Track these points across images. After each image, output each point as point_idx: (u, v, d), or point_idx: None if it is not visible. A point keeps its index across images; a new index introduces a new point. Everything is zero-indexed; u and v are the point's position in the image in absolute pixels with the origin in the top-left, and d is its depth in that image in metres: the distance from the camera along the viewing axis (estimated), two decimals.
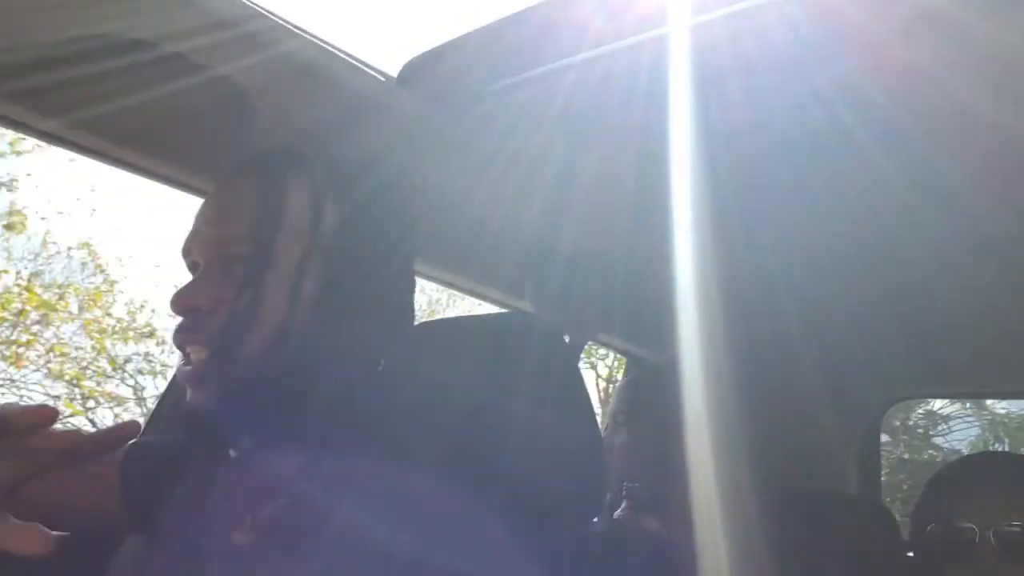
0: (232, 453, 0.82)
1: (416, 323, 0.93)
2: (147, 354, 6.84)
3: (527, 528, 0.87)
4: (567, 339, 1.35)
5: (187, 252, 0.81)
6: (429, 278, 1.42)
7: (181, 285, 0.78)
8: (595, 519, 1.32)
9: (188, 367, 0.77)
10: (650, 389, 1.44)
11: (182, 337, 0.77)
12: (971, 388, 2.14)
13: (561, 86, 0.93)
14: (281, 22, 0.81)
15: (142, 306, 6.90)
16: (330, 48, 0.85)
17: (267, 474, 0.77)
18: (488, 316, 1.04)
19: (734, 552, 1.13)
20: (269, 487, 0.74)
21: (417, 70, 0.92)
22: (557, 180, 1.15)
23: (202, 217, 0.81)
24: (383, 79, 0.91)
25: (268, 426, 0.79)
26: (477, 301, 1.57)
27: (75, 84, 0.81)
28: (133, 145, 0.96)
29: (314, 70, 0.85)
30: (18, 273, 6.33)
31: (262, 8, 0.80)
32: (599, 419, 1.19)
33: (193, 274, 0.80)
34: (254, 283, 0.75)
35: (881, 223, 1.26)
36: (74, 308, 6.56)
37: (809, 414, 1.85)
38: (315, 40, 0.84)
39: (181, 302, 0.77)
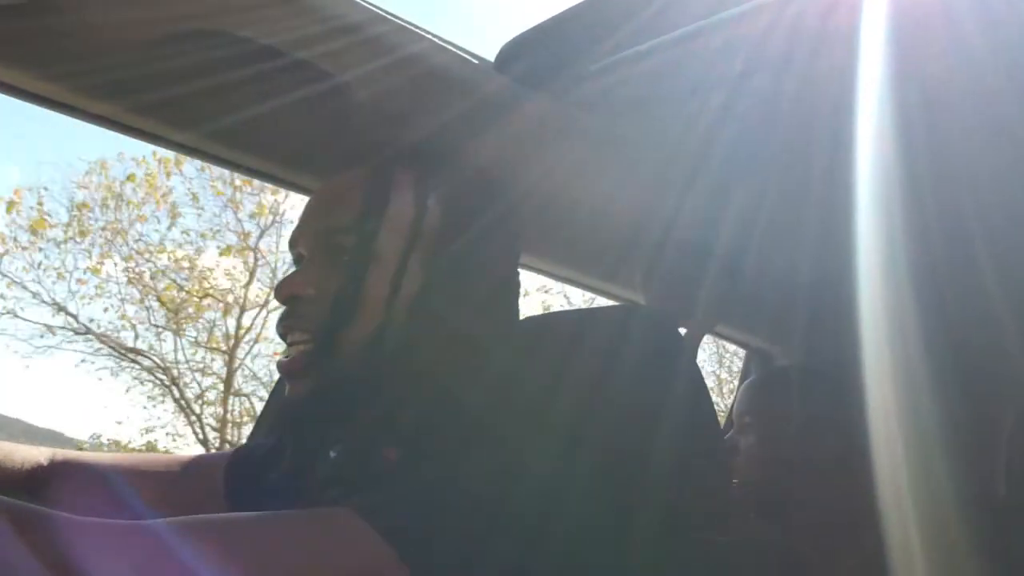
0: (332, 454, 0.82)
1: (525, 317, 0.91)
2: None
3: (646, 533, 0.83)
4: (683, 332, 1.29)
5: (293, 243, 0.82)
6: (540, 271, 1.38)
7: (285, 275, 0.79)
8: (718, 524, 1.26)
9: (287, 359, 0.77)
10: (778, 390, 1.36)
11: (285, 325, 0.78)
12: None
13: (669, 60, 0.88)
14: (377, 11, 0.79)
15: None
16: (427, 35, 0.83)
17: (365, 472, 0.76)
18: (600, 309, 1.00)
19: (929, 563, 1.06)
20: (366, 484, 0.73)
21: (514, 54, 0.88)
22: (671, 163, 1.09)
23: (309, 209, 0.82)
24: (480, 64, 0.87)
25: (366, 421, 0.79)
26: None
27: (197, 93, 0.84)
28: (242, 147, 0.97)
29: (413, 60, 0.84)
30: None
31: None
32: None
33: (297, 264, 0.82)
34: (357, 274, 0.75)
35: None
36: None
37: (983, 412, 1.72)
38: (411, 27, 0.82)
39: (285, 290, 0.77)
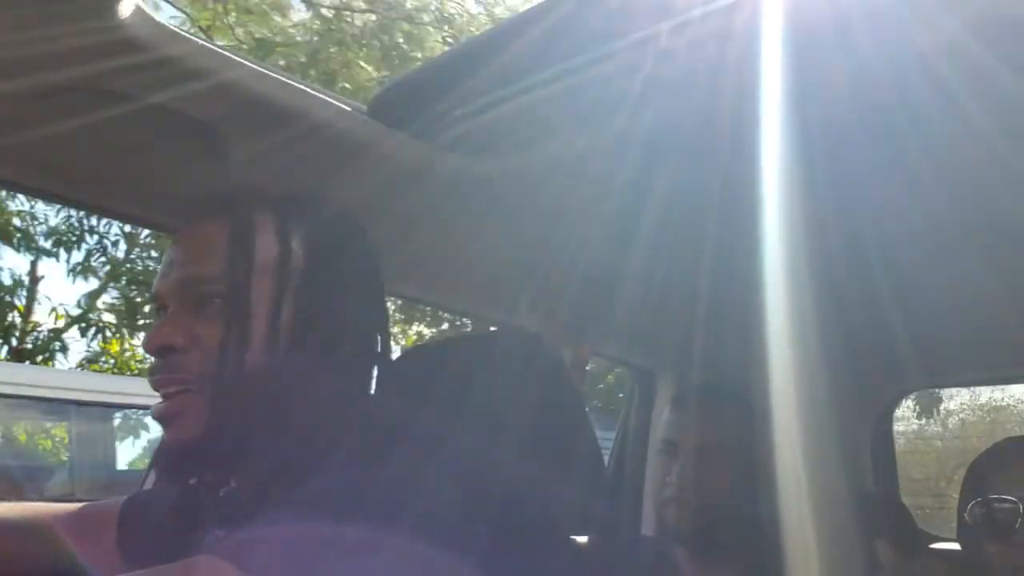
0: (220, 493, 0.83)
1: (407, 347, 0.95)
2: None
3: (525, 540, 0.89)
4: (562, 353, 1.36)
5: (156, 296, 0.82)
6: (426, 303, 1.43)
7: (152, 327, 0.80)
8: (601, 532, 1.32)
9: (163, 404, 0.78)
10: (699, 411, 1.42)
11: (158, 378, 0.78)
12: (980, 375, 2.11)
13: (533, 101, 0.94)
14: (246, 63, 0.83)
15: None
16: (298, 85, 0.87)
17: (259, 513, 0.76)
18: (478, 334, 1.06)
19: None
20: (261, 525, 0.73)
21: (386, 102, 0.94)
22: (543, 196, 1.16)
23: (170, 260, 0.82)
24: (353, 112, 0.92)
25: (252, 461, 0.80)
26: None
27: (50, 136, 0.84)
28: (107, 190, 0.98)
29: (281, 108, 0.86)
30: None
31: (227, 53, 0.82)
32: None
33: (160, 316, 0.81)
34: (229, 322, 0.77)
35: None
36: None
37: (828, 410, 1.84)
38: (282, 79, 0.86)
39: (155, 342, 0.78)
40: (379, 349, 0.87)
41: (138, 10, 0.69)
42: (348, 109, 0.91)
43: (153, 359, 0.79)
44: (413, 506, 0.70)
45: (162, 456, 0.80)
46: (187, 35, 0.77)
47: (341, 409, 0.80)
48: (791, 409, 1.33)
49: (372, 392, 0.86)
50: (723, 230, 1.37)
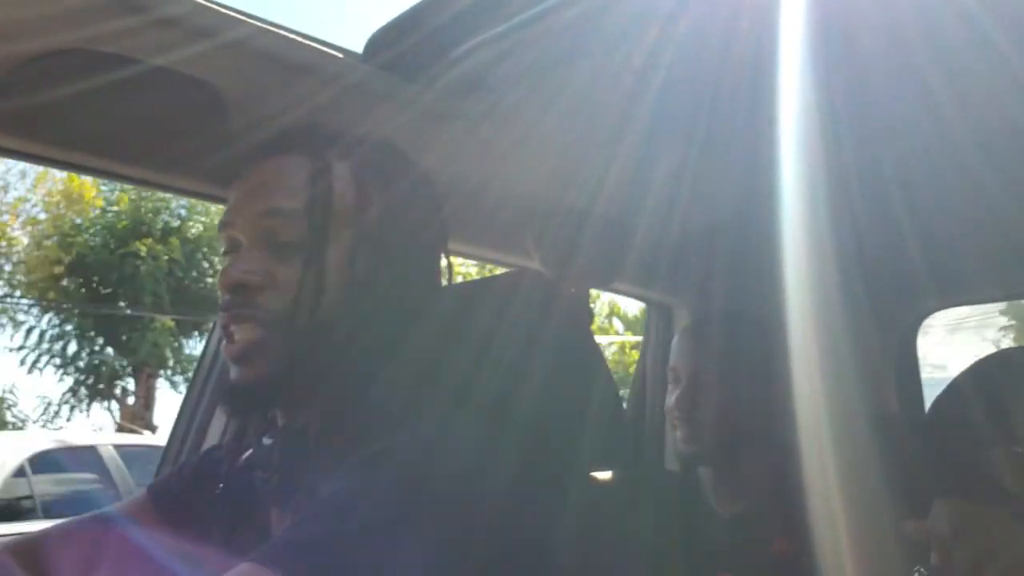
0: (265, 441, 0.84)
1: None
2: None
3: (546, 476, 0.90)
4: (572, 291, 1.35)
5: (226, 225, 0.81)
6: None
7: (227, 262, 0.79)
8: (621, 468, 1.34)
9: (235, 345, 0.78)
10: (706, 339, 1.43)
11: (230, 315, 0.78)
12: (1003, 291, 2.08)
13: (534, 37, 0.93)
14: (245, 19, 0.82)
15: None
16: (292, 36, 0.86)
17: (318, 453, 0.78)
18: (489, 278, 1.05)
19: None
20: (319, 467, 0.76)
21: (381, 44, 0.92)
22: (545, 134, 1.15)
23: (244, 192, 0.82)
24: (347, 58, 0.91)
25: (319, 403, 0.80)
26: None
27: (59, 102, 0.83)
28: (122, 158, 0.98)
29: (281, 60, 0.86)
30: None
31: (228, 9, 0.81)
32: None
33: (231, 250, 0.81)
34: (304, 260, 0.77)
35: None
36: None
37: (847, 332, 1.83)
38: (278, 31, 0.85)
39: (231, 278, 0.77)
40: (436, 289, 0.88)
41: None
42: (340, 56, 0.89)
43: (227, 295, 0.79)
44: (456, 454, 0.71)
45: (232, 393, 0.80)
46: None
47: (405, 354, 0.80)
48: (810, 333, 1.32)
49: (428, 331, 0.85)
50: (739, 156, 1.35)
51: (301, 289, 0.76)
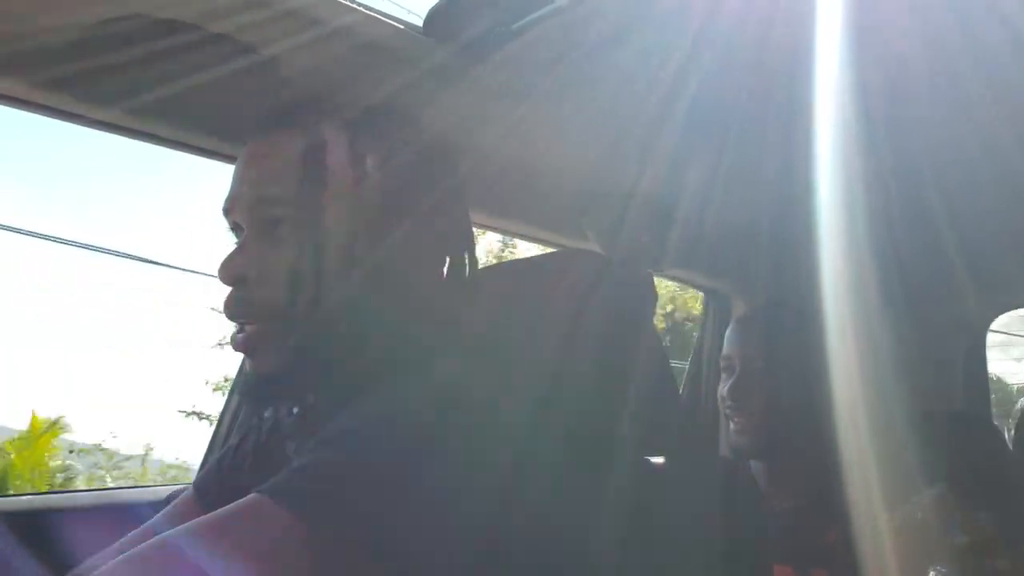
0: (294, 410, 0.83)
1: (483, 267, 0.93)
2: None
3: (600, 458, 0.88)
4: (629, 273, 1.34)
5: (228, 212, 0.79)
6: (484, 227, 1.42)
7: (227, 253, 0.77)
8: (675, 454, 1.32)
9: (242, 335, 0.76)
10: (764, 329, 1.40)
11: (234, 310, 0.76)
12: None
13: (590, 12, 0.91)
14: None
15: None
16: (353, 4, 0.85)
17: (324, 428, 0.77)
18: (544, 256, 1.04)
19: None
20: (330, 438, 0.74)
21: (440, 17, 0.91)
22: (602, 112, 1.13)
23: (241, 176, 0.79)
24: (407, 29, 0.90)
25: (331, 387, 0.78)
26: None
27: (102, 67, 0.84)
28: (162, 120, 0.98)
29: (339, 27, 0.85)
30: None
31: None
32: None
33: (236, 235, 0.79)
34: (301, 247, 0.74)
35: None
36: None
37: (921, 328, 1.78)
38: (342, 2, 0.84)
39: (230, 271, 0.75)
40: (467, 271, 0.84)
41: None
42: (401, 27, 0.88)
43: (228, 287, 0.76)
44: (493, 428, 0.69)
45: (245, 385, 0.79)
46: None
47: (427, 333, 0.77)
48: (869, 331, 1.29)
49: (447, 309, 0.82)
50: (801, 150, 1.31)
51: (299, 277, 0.73)
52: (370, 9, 0.87)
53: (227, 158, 1.04)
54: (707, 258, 1.68)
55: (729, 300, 1.78)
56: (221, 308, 0.77)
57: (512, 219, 1.36)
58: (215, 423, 1.48)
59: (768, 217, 1.55)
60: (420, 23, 0.93)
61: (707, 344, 1.80)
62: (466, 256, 0.85)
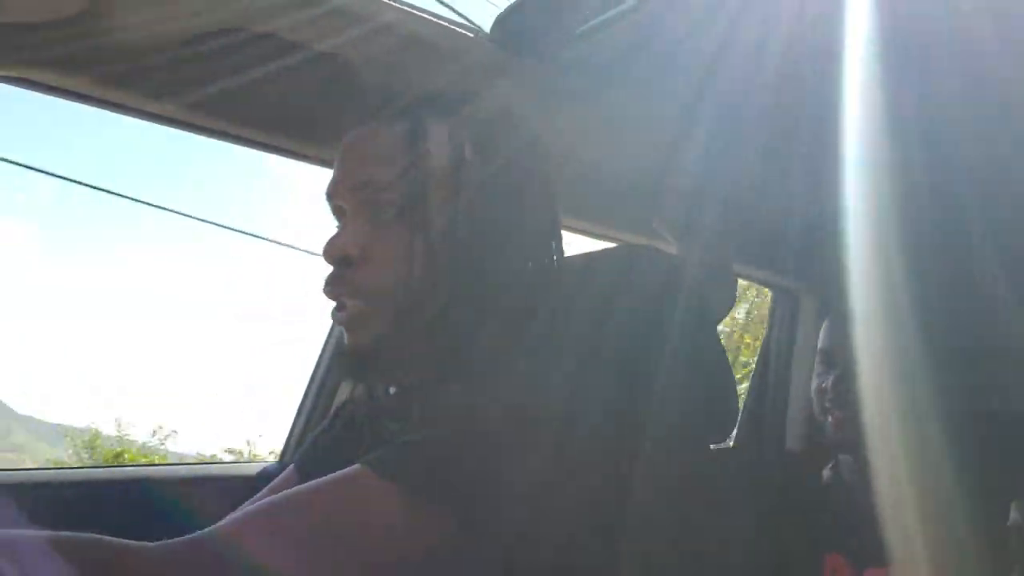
0: (391, 390, 0.87)
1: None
2: None
3: (663, 445, 0.91)
4: (699, 269, 1.35)
5: (331, 195, 0.83)
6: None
7: (332, 234, 0.82)
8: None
9: (342, 313, 0.80)
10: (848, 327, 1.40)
11: (335, 288, 0.80)
12: None
13: (652, 16, 0.94)
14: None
15: None
16: (421, 14, 0.91)
17: (427, 407, 0.80)
18: (607, 251, 1.07)
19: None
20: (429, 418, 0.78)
21: (506, 24, 0.96)
22: (665, 114, 1.15)
23: (346, 161, 0.83)
24: (476, 36, 0.95)
25: (426, 367, 0.82)
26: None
27: (205, 75, 0.92)
28: (257, 125, 1.05)
29: (412, 37, 0.91)
30: None
31: None
32: None
33: (338, 218, 0.83)
34: (401, 229, 0.78)
35: None
36: None
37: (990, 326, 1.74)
38: (408, 9, 0.90)
39: (334, 251, 0.79)
40: (554, 256, 0.86)
41: None
42: (471, 35, 0.93)
43: (332, 265, 0.80)
44: (575, 417, 0.73)
45: (343, 360, 0.83)
46: None
47: (517, 320, 0.80)
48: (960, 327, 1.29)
49: (537, 297, 0.84)
50: (875, 146, 1.31)
51: (401, 258, 0.77)
52: (439, 17, 0.92)
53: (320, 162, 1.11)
54: (774, 256, 1.68)
55: (797, 298, 1.77)
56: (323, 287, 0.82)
57: (580, 218, 1.39)
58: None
59: (849, 216, 1.54)
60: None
61: (774, 339, 1.80)
62: (553, 244, 0.87)
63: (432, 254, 0.77)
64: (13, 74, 0.86)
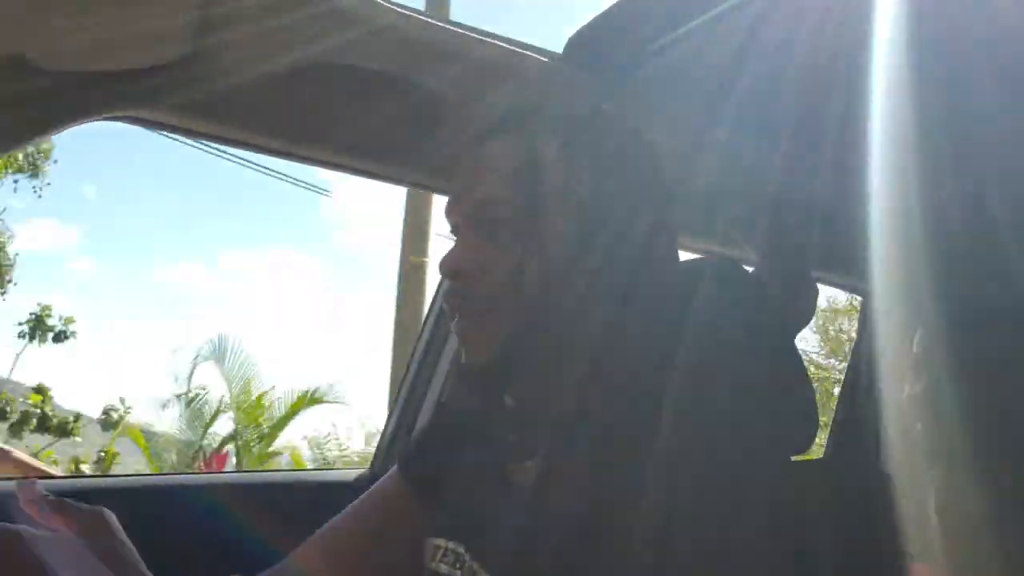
0: (508, 401, 0.89)
1: None
2: None
3: (740, 459, 0.91)
4: (777, 278, 1.34)
5: (448, 213, 0.85)
6: None
7: (448, 249, 0.84)
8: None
9: (459, 327, 0.83)
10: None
11: (452, 302, 0.83)
12: None
13: (717, 35, 0.95)
14: (462, 31, 0.93)
15: None
16: (492, 39, 0.95)
17: (542, 422, 0.82)
18: (684, 264, 1.08)
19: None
20: (541, 434, 0.82)
21: (579, 46, 0.99)
22: (741, 122, 1.16)
23: (460, 179, 0.85)
24: (551, 61, 0.99)
25: (539, 379, 0.83)
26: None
27: (304, 108, 0.99)
28: (360, 154, 1.12)
29: (484, 62, 0.95)
30: None
31: (441, 22, 0.93)
32: None
33: (455, 235, 0.85)
34: (516, 245, 0.79)
35: None
36: None
37: None
38: (489, 40, 0.95)
39: (448, 266, 0.82)
40: (670, 272, 0.87)
41: None
42: (544, 59, 0.97)
43: (447, 280, 0.83)
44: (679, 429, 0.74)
45: (462, 373, 0.88)
46: (388, 4, 0.87)
47: (632, 333, 0.81)
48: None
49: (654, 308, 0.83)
50: (967, 151, 1.28)
51: (516, 272, 0.78)
52: (514, 44, 0.96)
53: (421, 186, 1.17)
54: (862, 261, 1.65)
55: (892, 306, 1.73)
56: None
57: None
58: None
59: (944, 221, 1.51)
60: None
61: (865, 349, 1.76)
62: (667, 252, 0.87)
63: (546, 269, 0.78)
64: (127, 114, 0.94)
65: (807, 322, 1.54)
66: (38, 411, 9.72)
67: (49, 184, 11.39)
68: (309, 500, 1.32)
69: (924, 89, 0.99)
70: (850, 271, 1.69)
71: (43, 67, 0.80)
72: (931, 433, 1.34)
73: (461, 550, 0.84)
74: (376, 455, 1.56)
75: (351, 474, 1.50)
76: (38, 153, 10.80)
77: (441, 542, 0.87)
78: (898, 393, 1.49)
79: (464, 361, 0.84)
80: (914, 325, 1.59)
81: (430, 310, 1.60)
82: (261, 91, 0.93)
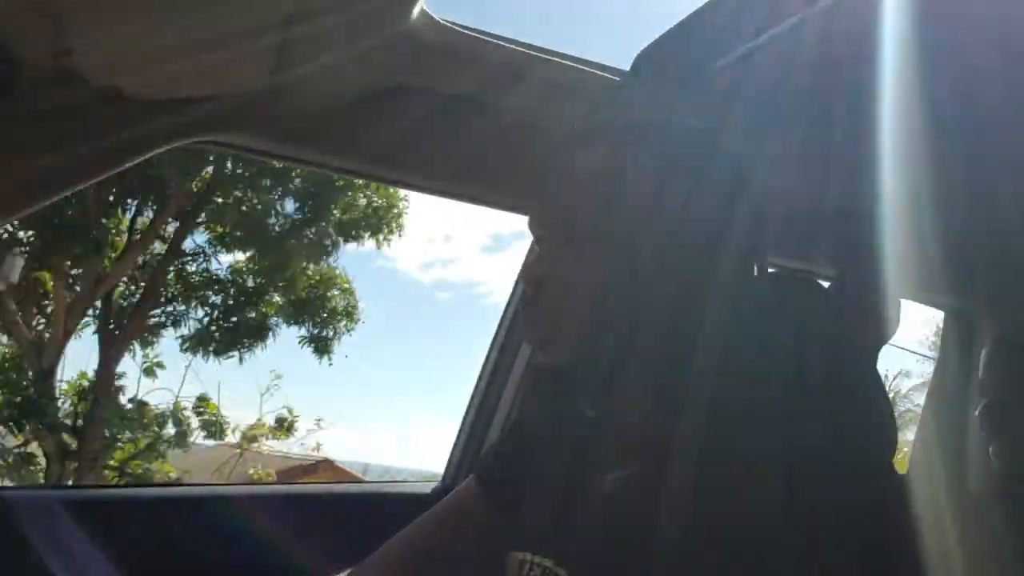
0: (589, 413, 0.89)
1: None
2: None
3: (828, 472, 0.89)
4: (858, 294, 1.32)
5: (532, 225, 0.87)
6: None
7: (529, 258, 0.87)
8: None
9: (536, 334, 0.84)
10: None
11: (530, 309, 0.83)
12: None
13: (779, 51, 0.95)
14: (526, 51, 0.95)
15: None
16: (562, 62, 0.97)
17: (630, 433, 0.82)
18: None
19: None
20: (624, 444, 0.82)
21: (646, 61, 1.00)
22: (812, 137, 1.15)
23: (545, 192, 0.86)
24: (620, 80, 1.00)
25: (624, 389, 0.82)
26: None
27: (377, 130, 1.02)
28: (430, 173, 1.15)
29: (552, 83, 0.97)
30: None
31: (507, 43, 0.95)
32: None
33: (537, 243, 0.86)
34: (598, 255, 0.79)
35: None
36: None
37: None
38: (567, 62, 0.97)
39: (531, 274, 0.83)
40: (756, 284, 0.85)
41: (423, 12, 0.82)
42: (611, 76, 0.98)
43: (528, 288, 0.83)
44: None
45: (536, 376, 0.89)
46: (459, 28, 0.90)
47: (712, 347, 0.79)
48: None
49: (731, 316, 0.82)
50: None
51: (596, 283, 0.78)
52: (578, 60, 0.98)
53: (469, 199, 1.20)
54: (949, 275, 1.60)
55: (971, 320, 1.67)
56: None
57: None
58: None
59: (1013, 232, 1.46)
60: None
61: (949, 366, 1.70)
62: (756, 265, 0.85)
63: (629, 280, 0.78)
64: (214, 139, 0.99)
65: (891, 336, 1.50)
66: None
67: None
68: (384, 512, 1.34)
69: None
70: (931, 286, 1.65)
71: (135, 96, 0.85)
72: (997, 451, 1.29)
73: (549, 563, 0.83)
74: (447, 467, 1.58)
75: (427, 487, 1.52)
76: None
77: (526, 556, 0.86)
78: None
79: (538, 364, 0.84)
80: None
81: (502, 321, 1.60)
82: (340, 114, 0.97)
